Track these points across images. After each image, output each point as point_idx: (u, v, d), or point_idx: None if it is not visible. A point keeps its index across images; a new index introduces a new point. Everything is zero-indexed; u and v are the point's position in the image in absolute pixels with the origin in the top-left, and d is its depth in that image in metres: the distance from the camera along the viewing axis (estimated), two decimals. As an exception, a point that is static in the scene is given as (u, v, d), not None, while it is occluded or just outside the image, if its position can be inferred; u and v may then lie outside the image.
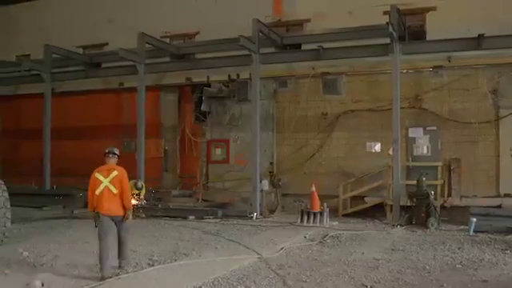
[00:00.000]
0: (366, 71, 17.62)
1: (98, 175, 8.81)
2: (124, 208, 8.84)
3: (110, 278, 8.29)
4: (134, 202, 15.94)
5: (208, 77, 19.82)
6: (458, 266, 9.29)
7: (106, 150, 9.16)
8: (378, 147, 17.40)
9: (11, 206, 11.27)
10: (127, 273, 8.66)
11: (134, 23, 20.41)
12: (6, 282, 8.15)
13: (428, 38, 17.05)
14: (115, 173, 8.80)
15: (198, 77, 20.01)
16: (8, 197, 11.18)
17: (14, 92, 24.00)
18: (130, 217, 9.03)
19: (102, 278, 8.23)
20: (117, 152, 9.18)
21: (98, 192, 8.68)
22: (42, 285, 7.76)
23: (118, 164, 9.15)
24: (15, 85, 23.57)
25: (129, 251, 9.27)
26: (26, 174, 22.30)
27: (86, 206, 15.98)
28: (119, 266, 8.86)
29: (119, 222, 8.87)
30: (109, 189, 8.70)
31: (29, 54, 23.63)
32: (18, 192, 15.69)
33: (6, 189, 11.24)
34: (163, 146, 21.02)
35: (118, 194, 8.73)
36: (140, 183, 14.96)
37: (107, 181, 8.72)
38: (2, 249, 10.70)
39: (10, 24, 25.66)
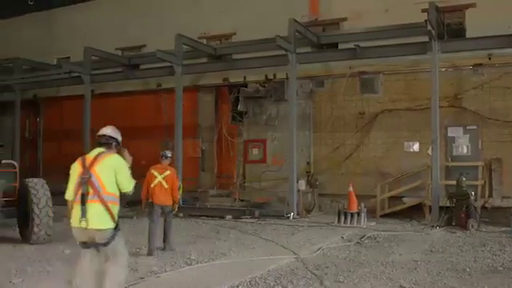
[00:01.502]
0: (403, 70, 17.38)
1: (153, 171, 10.84)
2: (172, 200, 10.76)
3: (154, 255, 10.10)
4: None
5: (245, 77, 19.88)
6: (499, 268, 9.09)
7: (161, 153, 11.26)
8: (416, 147, 17.16)
9: (53, 204, 11.54)
10: (165, 271, 8.77)
11: (171, 25, 20.69)
12: (48, 279, 8.36)
13: (468, 35, 16.75)
14: (168, 172, 10.82)
15: (235, 77, 20.10)
16: (50, 196, 11.45)
17: (56, 94, 24.59)
18: (176, 206, 11.04)
19: (149, 254, 10.14)
20: (169, 155, 11.28)
21: (152, 185, 10.66)
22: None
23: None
24: (56, 87, 24.10)
25: (173, 237, 10.92)
26: (67, 173, 22.74)
27: (125, 206, 16.58)
28: (163, 248, 10.62)
29: (166, 210, 10.76)
30: (161, 183, 10.68)
31: (69, 57, 24.16)
32: (59, 191, 16.01)
33: (48, 188, 11.52)
34: (200, 146, 21.19)
35: (169, 189, 10.68)
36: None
37: (161, 177, 10.71)
38: (45, 247, 10.98)
39: (51, 28, 26.30)
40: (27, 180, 11.71)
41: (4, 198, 11.14)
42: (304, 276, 8.42)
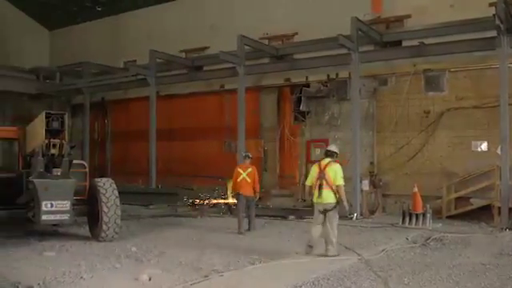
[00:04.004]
0: (470, 66, 16.87)
1: (239, 170, 13.69)
2: (254, 191, 13.59)
3: (243, 234, 13.09)
4: (232, 201, 16.60)
5: (307, 77, 19.86)
6: None
7: (244, 154, 14.50)
8: (484, 146, 16.59)
9: (120, 203, 11.91)
10: (229, 270, 8.88)
11: (233, 26, 20.92)
12: (116, 275, 8.62)
13: (540, 29, 16.03)
14: (250, 169, 13.62)
15: (297, 77, 20.09)
16: (118, 195, 11.82)
17: (123, 96, 25.36)
18: (258, 195, 14.00)
19: (240, 233, 13.10)
20: (250, 155, 14.25)
21: (238, 180, 13.47)
22: (150, 279, 8.15)
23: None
24: (123, 89, 24.85)
25: (254, 221, 13.69)
26: (134, 173, 23.49)
27: (189, 205, 17.46)
28: (248, 229, 13.44)
29: (249, 200, 13.50)
30: (245, 179, 13.44)
31: (135, 60, 24.85)
32: (126, 191, 16.52)
33: (116, 187, 11.89)
34: (263, 146, 21.29)
35: (251, 183, 13.46)
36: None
37: (245, 174, 13.48)
38: (113, 244, 11.34)
39: (118, 33, 27.17)
40: (96, 180, 12.14)
41: (75, 197, 11.56)
42: (368, 277, 8.33)
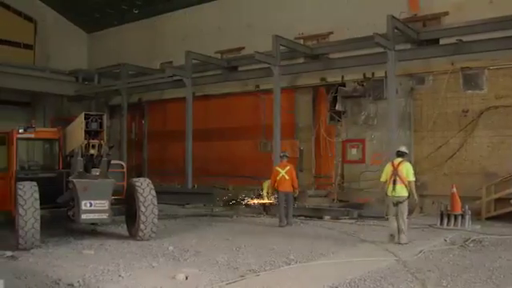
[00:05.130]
0: (510, 64, 16.47)
1: (278, 168, 14.89)
2: (293, 187, 14.76)
3: (285, 226, 14.40)
4: (268, 200, 16.61)
5: (343, 76, 19.69)
6: None
7: (281, 154, 15.54)
8: (526, 146, 16.20)
9: (157, 203, 12.06)
10: (265, 270, 8.89)
11: (268, 26, 20.94)
12: (153, 274, 8.73)
13: None
14: (288, 167, 14.77)
15: (333, 76, 19.96)
16: (155, 195, 11.97)
17: (159, 97, 25.66)
18: (297, 191, 15.16)
19: (280, 226, 14.42)
20: (288, 155, 15.59)
21: (278, 178, 14.63)
22: (186, 278, 8.23)
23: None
24: (160, 90, 25.15)
25: (292, 216, 14.82)
26: (170, 173, 23.73)
27: (224, 205, 17.70)
28: (286, 223, 14.54)
29: (288, 196, 14.61)
30: (284, 176, 14.59)
31: (171, 61, 25.12)
32: (163, 190, 16.71)
33: (153, 187, 12.05)
34: (298, 146, 21.24)
35: (289, 180, 14.61)
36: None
37: (284, 172, 14.64)
38: (151, 243, 11.50)
39: (154, 34, 27.47)
40: (134, 179, 12.32)
41: (113, 196, 11.75)
42: (405, 279, 8.23)
